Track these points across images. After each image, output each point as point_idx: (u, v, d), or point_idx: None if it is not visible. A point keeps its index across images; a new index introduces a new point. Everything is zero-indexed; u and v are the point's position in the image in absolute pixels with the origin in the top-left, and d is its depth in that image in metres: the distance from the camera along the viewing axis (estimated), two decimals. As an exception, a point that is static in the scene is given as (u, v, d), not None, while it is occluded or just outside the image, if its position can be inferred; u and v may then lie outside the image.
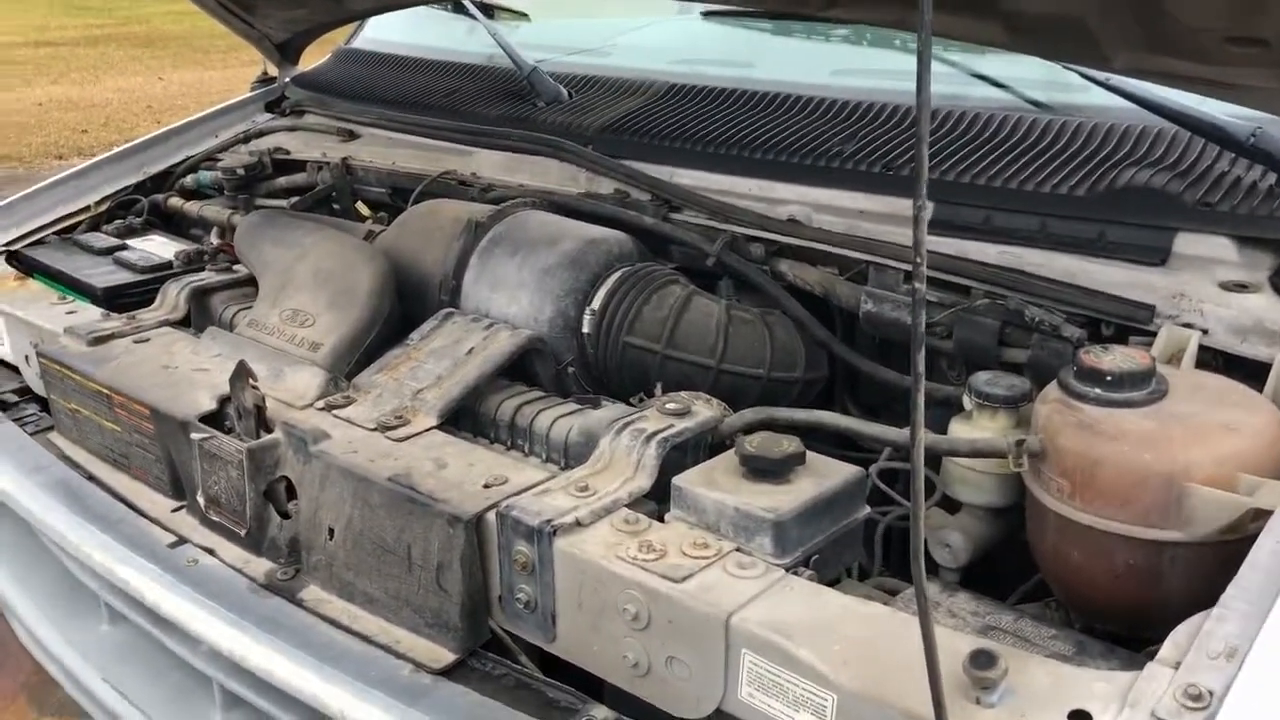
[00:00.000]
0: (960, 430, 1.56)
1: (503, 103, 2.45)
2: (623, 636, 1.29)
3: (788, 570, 1.29)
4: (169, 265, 2.29)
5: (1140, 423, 1.32)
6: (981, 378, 1.55)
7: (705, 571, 1.27)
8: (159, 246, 2.41)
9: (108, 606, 1.90)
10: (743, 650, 1.19)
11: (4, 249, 2.43)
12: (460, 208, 2.02)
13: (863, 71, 2.16)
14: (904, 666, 1.11)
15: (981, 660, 1.05)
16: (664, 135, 2.12)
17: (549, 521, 1.34)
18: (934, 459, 1.56)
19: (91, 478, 1.89)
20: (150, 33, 15.09)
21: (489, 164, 2.30)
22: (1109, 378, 1.36)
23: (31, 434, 2.06)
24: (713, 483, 1.38)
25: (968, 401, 1.61)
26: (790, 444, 1.39)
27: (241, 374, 1.65)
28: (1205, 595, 1.10)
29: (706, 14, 2.42)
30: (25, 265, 2.38)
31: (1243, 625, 1.04)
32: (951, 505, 1.62)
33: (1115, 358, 1.38)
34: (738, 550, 1.31)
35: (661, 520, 1.39)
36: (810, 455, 1.41)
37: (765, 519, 1.30)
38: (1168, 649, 1.06)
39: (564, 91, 2.40)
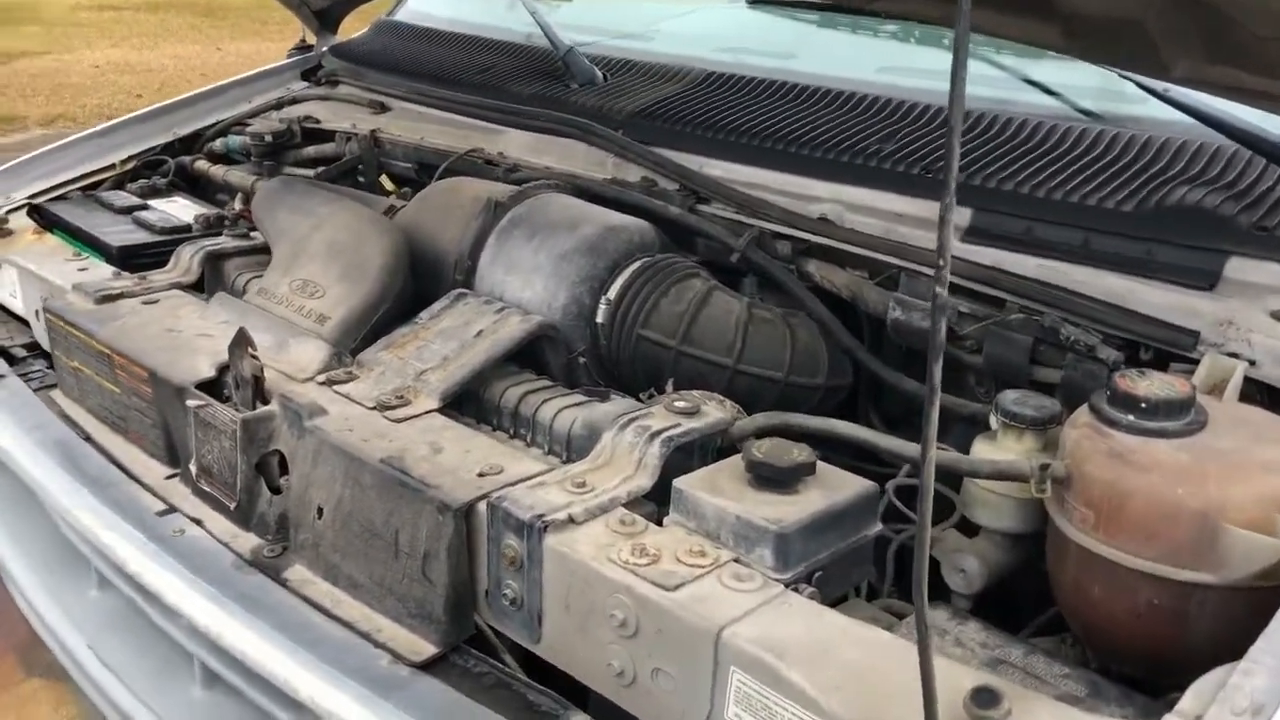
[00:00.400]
0: (983, 450, 1.48)
1: (536, 82, 2.39)
2: (609, 643, 1.22)
3: (787, 586, 1.22)
4: (187, 228, 2.25)
5: (1175, 455, 1.24)
6: (1009, 396, 1.46)
7: (700, 581, 1.20)
8: (180, 209, 2.37)
9: (98, 572, 1.86)
10: (732, 668, 1.12)
11: (26, 201, 2.40)
12: (482, 187, 1.96)
13: (908, 70, 2.07)
14: (901, 697, 1.05)
15: (983, 698, 0.98)
16: (697, 124, 2.04)
17: (540, 516, 1.28)
18: (954, 479, 1.48)
19: (89, 439, 1.85)
20: (211, 2, 15.20)
21: (517, 144, 2.24)
22: (1144, 404, 1.27)
23: (35, 390, 2.02)
24: (716, 488, 1.31)
25: (993, 420, 1.53)
26: (801, 453, 1.32)
27: (241, 342, 1.60)
28: (1232, 644, 1.02)
29: (752, 2, 2.34)
30: (46, 220, 2.35)
31: (1271, 681, 0.96)
32: (969, 528, 1.54)
33: (1152, 384, 1.30)
34: (736, 561, 1.24)
35: (659, 524, 1.32)
36: (821, 466, 1.34)
37: (767, 530, 1.23)
38: (1189, 701, 0.98)
39: (599, 74, 2.33)
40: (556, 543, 1.27)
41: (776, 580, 1.22)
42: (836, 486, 1.33)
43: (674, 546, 1.25)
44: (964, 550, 1.50)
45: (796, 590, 1.23)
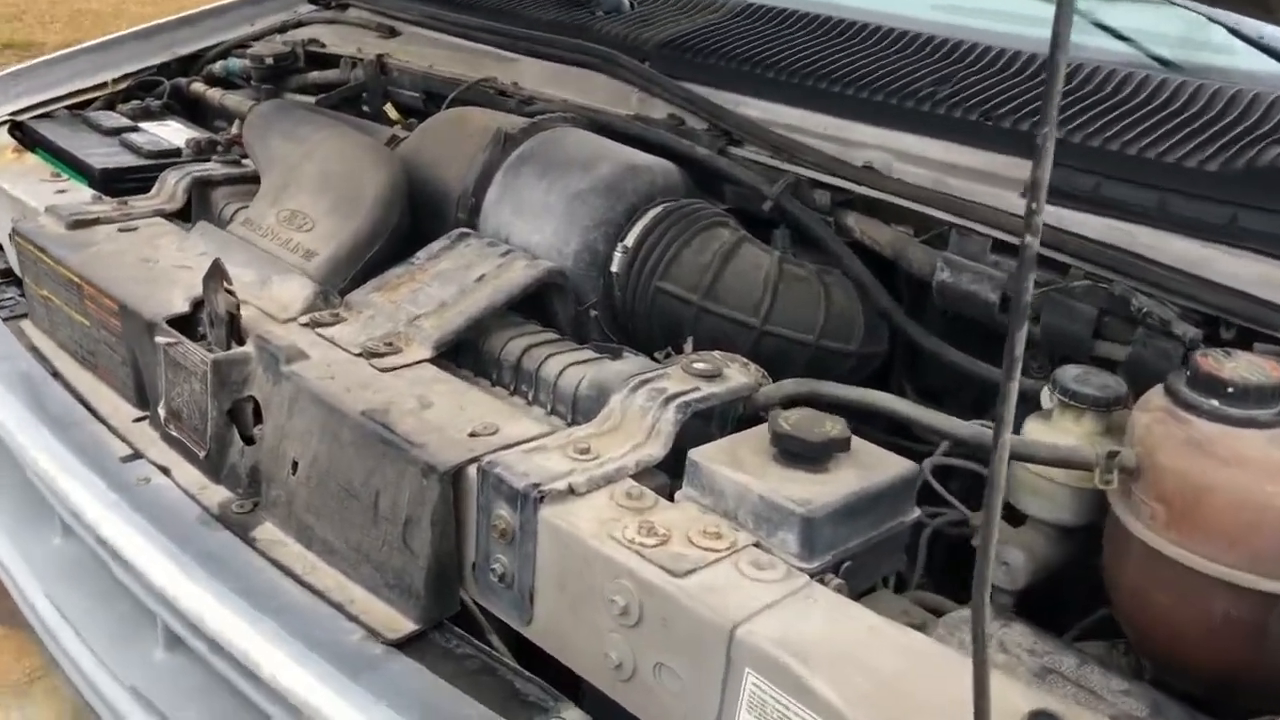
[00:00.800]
0: (1038, 431, 1.33)
1: (558, 8, 2.21)
2: (607, 631, 1.08)
3: (812, 576, 1.07)
4: (177, 153, 2.11)
5: (1264, 447, 1.08)
6: (1070, 373, 1.30)
7: (714, 567, 1.06)
8: (172, 133, 2.22)
9: (61, 519, 1.72)
10: (746, 669, 0.99)
11: (9, 118, 2.24)
12: (491, 118, 1.79)
13: (968, 10, 1.89)
14: (940, 713, 0.91)
15: (1044, 728, 0.83)
16: (732, 58, 1.86)
17: (536, 485, 1.13)
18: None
19: (56, 374, 1.71)
20: (237, -65, 14.98)
21: (533, 74, 2.06)
22: (1230, 389, 1.11)
23: (4, 319, 1.88)
24: (737, 461, 1.16)
25: (1047, 398, 1.37)
26: (834, 426, 1.16)
27: (215, 275, 1.45)
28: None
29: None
30: (28, 138, 2.20)
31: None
32: (1015, 517, 1.38)
33: (1239, 365, 1.14)
34: (756, 546, 1.10)
35: (670, 499, 1.17)
36: (856, 442, 1.18)
37: (793, 512, 1.08)
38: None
39: (626, 1, 2.15)
40: (553, 515, 1.12)
41: (800, 569, 1.08)
42: (872, 466, 1.18)
43: (686, 526, 1.10)
44: (1009, 542, 1.35)
45: (822, 582, 1.08)
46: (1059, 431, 1.31)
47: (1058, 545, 1.34)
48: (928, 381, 1.73)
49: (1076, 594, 1.37)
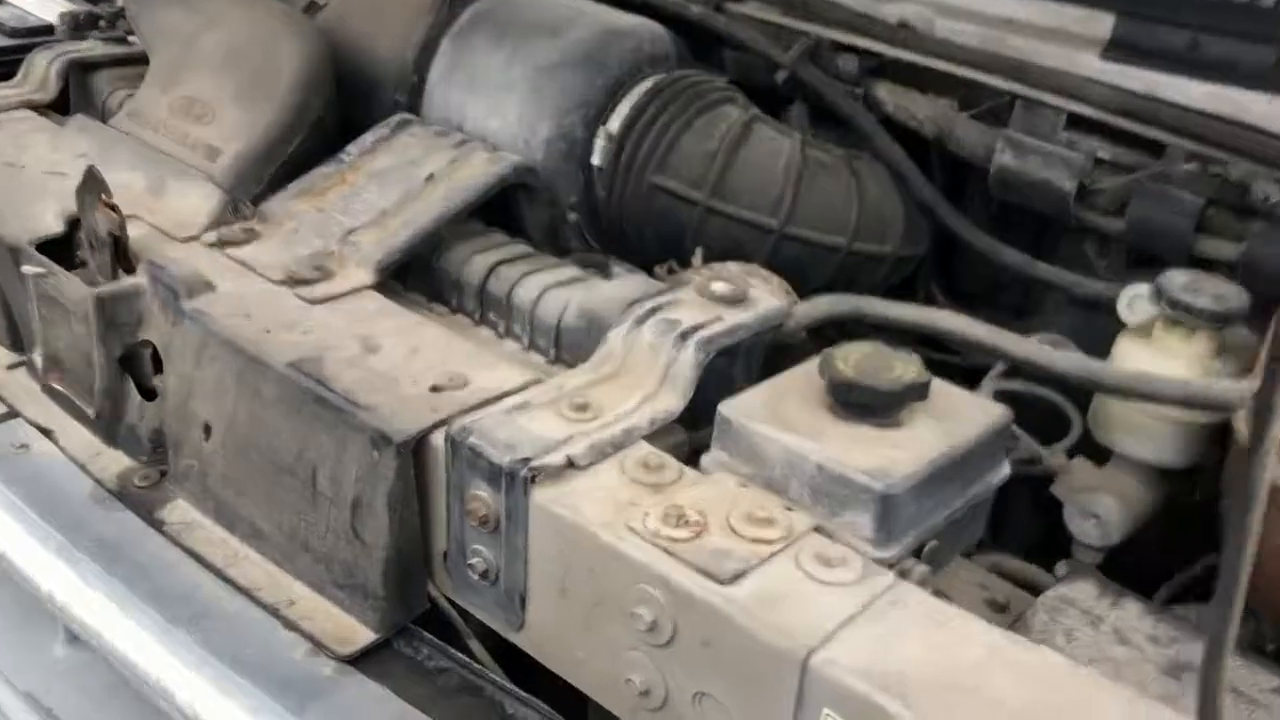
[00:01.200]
0: (1135, 352, 1.08)
1: None
2: (627, 649, 0.84)
3: (892, 568, 0.82)
4: (49, 30, 1.79)
5: None
6: (1178, 279, 1.06)
7: (768, 566, 0.81)
8: (40, 5, 1.87)
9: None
10: (825, 710, 0.74)
11: None
12: (434, -27, 1.46)
13: None
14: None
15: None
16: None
17: (526, 460, 0.86)
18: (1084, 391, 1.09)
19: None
20: None
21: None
22: None
23: None
24: (782, 417, 0.90)
25: (1126, 308, 1.13)
26: (908, 368, 0.90)
27: (93, 185, 1.14)
28: None
29: None
30: None
31: None
32: (1098, 454, 1.14)
33: None
34: (817, 531, 0.83)
35: (696, 465, 0.91)
36: (934, 384, 0.92)
37: (869, 489, 0.83)
38: None
39: None
40: (550, 499, 0.86)
41: (879, 560, 0.82)
42: (954, 415, 0.92)
43: (725, 508, 0.85)
44: (1098, 489, 1.11)
45: (904, 574, 0.83)
46: (1164, 354, 1.07)
47: (1157, 491, 1.12)
48: (965, 285, 1.48)
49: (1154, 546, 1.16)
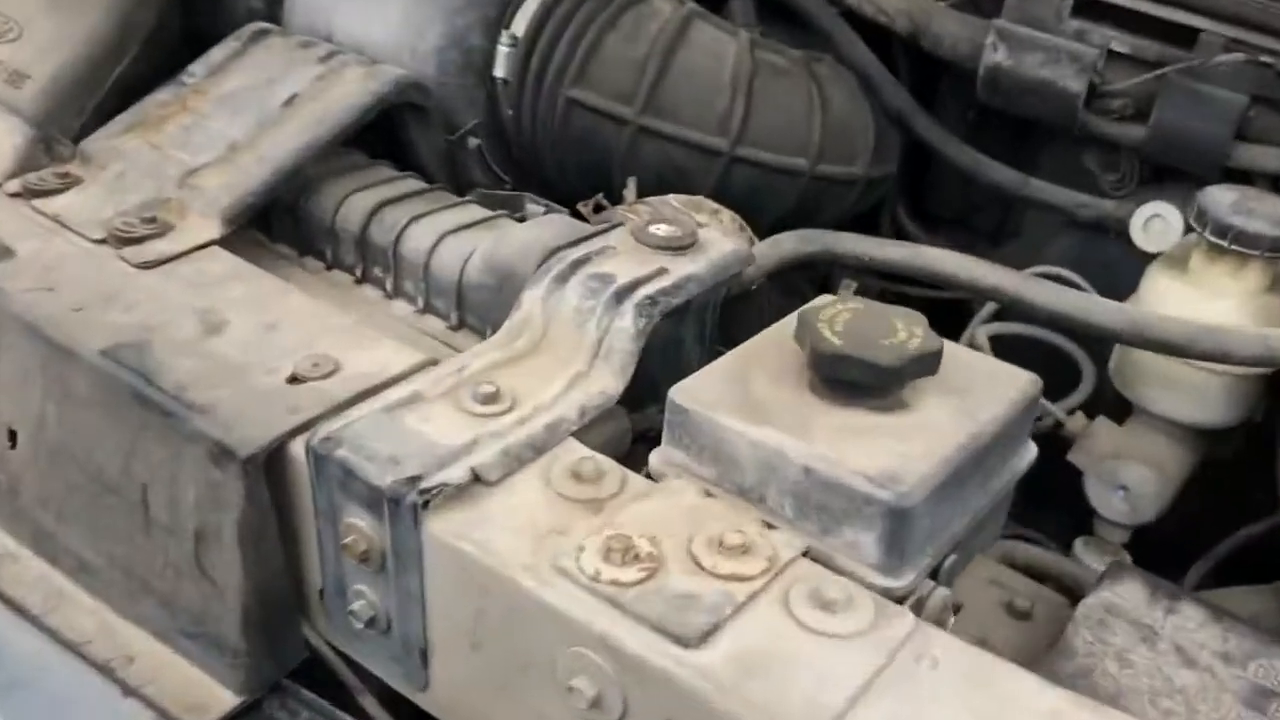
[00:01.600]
0: (1171, 290, 0.89)
1: None
2: (564, 723, 0.62)
3: (902, 601, 0.62)
4: None
5: None
6: (1224, 199, 0.86)
7: (748, 615, 0.61)
8: None
9: None
10: (834, 819, 0.54)
11: None
12: None
13: None
14: None
15: None
16: None
17: (415, 481, 0.64)
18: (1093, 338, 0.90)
19: None
20: None
21: None
22: None
23: None
24: (754, 402, 0.68)
25: (1142, 232, 0.94)
26: (912, 331, 0.69)
27: None
28: None
29: None
30: None
31: None
32: (1121, 410, 0.96)
33: None
34: (807, 556, 0.63)
35: (642, 459, 0.70)
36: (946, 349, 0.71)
37: (875, 499, 0.62)
38: None
39: None
40: (451, 531, 0.65)
41: (888, 592, 0.62)
42: (973, 389, 0.72)
43: (685, 530, 0.64)
44: (1124, 456, 0.92)
45: (919, 608, 0.63)
46: (1208, 292, 0.88)
47: (1191, 454, 0.94)
48: (931, 206, 1.28)
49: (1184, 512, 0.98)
